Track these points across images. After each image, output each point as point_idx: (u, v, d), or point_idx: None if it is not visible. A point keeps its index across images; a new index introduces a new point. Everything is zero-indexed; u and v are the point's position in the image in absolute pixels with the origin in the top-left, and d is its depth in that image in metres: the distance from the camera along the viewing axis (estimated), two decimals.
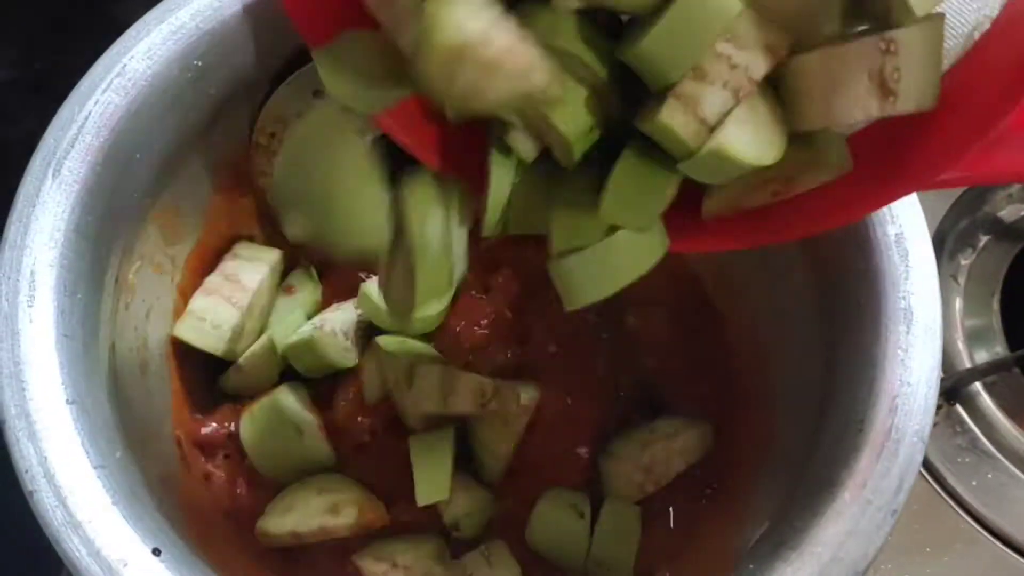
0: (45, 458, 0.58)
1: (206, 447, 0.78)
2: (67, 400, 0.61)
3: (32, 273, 0.63)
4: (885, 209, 0.65)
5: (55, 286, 0.64)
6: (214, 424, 0.80)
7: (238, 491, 0.78)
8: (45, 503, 0.57)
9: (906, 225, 0.65)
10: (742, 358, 0.80)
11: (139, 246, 0.74)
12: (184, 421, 0.78)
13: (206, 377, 0.81)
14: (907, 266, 0.64)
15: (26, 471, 0.58)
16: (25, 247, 0.64)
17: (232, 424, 0.81)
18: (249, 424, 0.77)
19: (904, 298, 0.63)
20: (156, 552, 0.57)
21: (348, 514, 0.73)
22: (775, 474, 0.72)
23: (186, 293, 0.81)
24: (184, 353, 0.79)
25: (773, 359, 0.78)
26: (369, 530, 0.73)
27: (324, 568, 0.75)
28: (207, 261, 0.83)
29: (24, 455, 0.58)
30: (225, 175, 0.82)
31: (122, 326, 0.72)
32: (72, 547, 0.56)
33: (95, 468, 0.59)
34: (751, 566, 0.60)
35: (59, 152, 0.66)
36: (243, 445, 0.78)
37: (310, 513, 0.73)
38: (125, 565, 0.56)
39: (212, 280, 0.80)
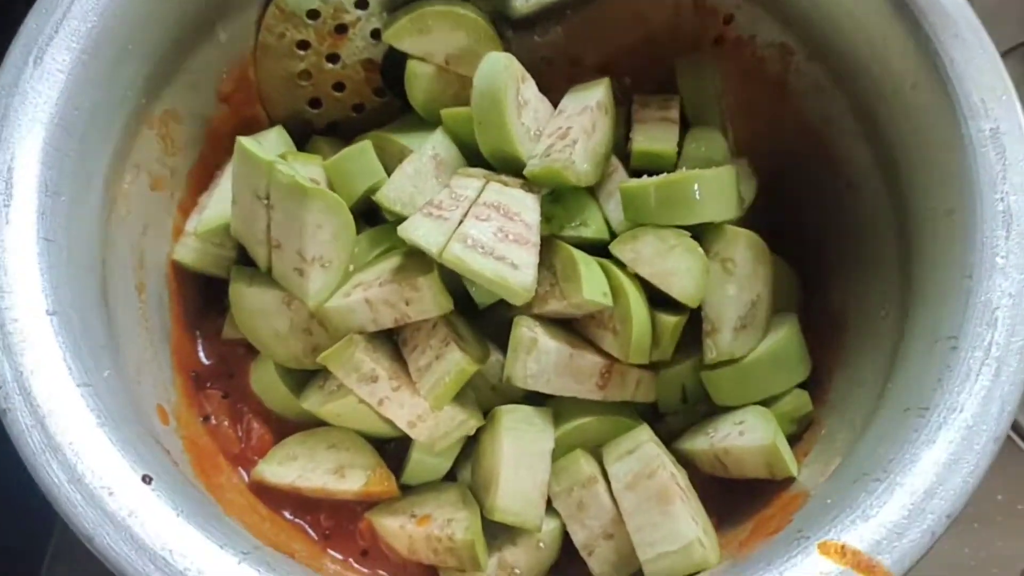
0: (20, 373, 0.51)
1: (207, 379, 0.71)
2: (48, 310, 0.53)
3: (9, 169, 0.56)
4: (977, 101, 0.57)
5: (37, 185, 0.56)
6: (216, 358, 0.72)
7: (240, 431, 0.70)
8: (20, 423, 0.50)
9: (1001, 119, 0.57)
10: (807, 277, 0.73)
11: (134, 152, 0.67)
12: (185, 351, 0.71)
13: (208, 300, 0.74)
14: (1004, 164, 0.56)
15: None
16: (1, 140, 0.56)
17: (233, 363, 0.73)
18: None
19: (1002, 199, 0.55)
20: (147, 479, 0.50)
21: (355, 479, 0.65)
22: (847, 402, 0.64)
23: (188, 211, 0.73)
24: (185, 277, 0.72)
25: (839, 277, 0.70)
26: (375, 500, 0.66)
27: (335, 517, 0.68)
28: (211, 178, 0.75)
29: None
30: (230, 82, 0.74)
31: (115, 240, 0.65)
32: (50, 474, 0.49)
33: (79, 386, 0.52)
34: (828, 500, 0.52)
35: (41, 38, 0.59)
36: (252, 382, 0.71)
37: (314, 468, 0.66)
38: (110, 493, 0.49)
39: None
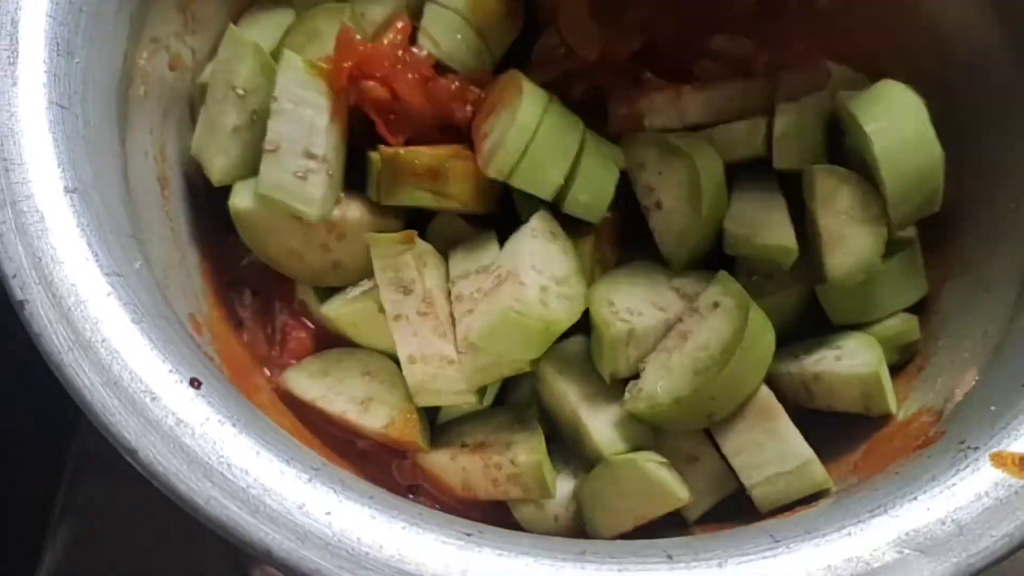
0: (38, 259, 0.43)
1: (239, 283, 0.62)
2: (67, 187, 0.45)
3: (14, 22, 0.47)
4: None
5: (46, 41, 0.47)
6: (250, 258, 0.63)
7: (276, 333, 0.61)
8: (42, 318, 0.41)
9: None
10: None
11: (152, 21, 0.58)
12: (213, 255, 0.62)
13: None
14: None
15: (14, 275, 0.42)
16: None
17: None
18: None
19: None
20: (195, 383, 0.42)
21: (378, 416, 0.57)
22: (971, 311, 0.57)
23: None
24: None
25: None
26: (392, 444, 0.58)
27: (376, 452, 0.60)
28: None
29: (11, 255, 0.43)
30: None
31: (134, 122, 0.56)
32: (80, 376, 0.41)
33: (108, 275, 0.43)
34: (992, 407, 0.45)
35: None
36: None
37: (340, 393, 0.57)
38: (153, 399, 0.41)
39: None
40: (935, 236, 0.63)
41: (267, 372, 0.60)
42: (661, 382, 0.53)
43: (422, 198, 0.56)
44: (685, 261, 0.57)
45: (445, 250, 0.58)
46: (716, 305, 0.53)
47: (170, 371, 0.42)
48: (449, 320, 0.55)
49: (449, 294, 0.56)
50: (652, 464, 0.53)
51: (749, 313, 0.52)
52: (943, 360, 0.57)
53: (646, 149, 0.58)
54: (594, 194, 0.56)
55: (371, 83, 0.57)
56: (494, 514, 0.57)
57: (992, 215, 0.58)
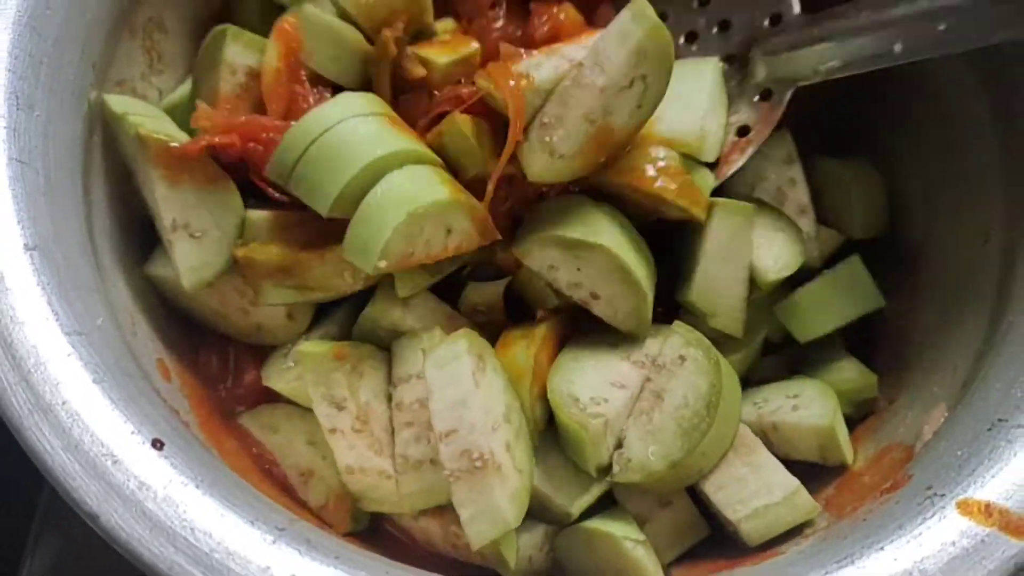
0: None
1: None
2: (26, 245, 0.44)
3: None
4: None
5: (5, 95, 0.47)
6: None
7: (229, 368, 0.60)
8: (1, 380, 0.41)
9: None
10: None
11: (117, 64, 0.58)
12: None
13: None
14: None
15: None
16: None
17: None
18: None
19: None
20: (157, 444, 0.41)
21: (316, 493, 0.55)
22: (940, 344, 0.57)
23: None
24: None
25: (919, 207, 0.63)
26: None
27: None
28: None
29: None
30: None
31: (98, 168, 0.55)
32: (40, 440, 0.40)
33: (69, 335, 0.43)
34: (959, 452, 0.45)
35: None
36: None
37: (287, 455, 0.56)
38: (115, 462, 0.40)
39: None
40: (908, 270, 0.63)
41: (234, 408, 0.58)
42: (651, 448, 0.51)
43: (287, 295, 0.53)
44: (647, 326, 0.55)
45: (388, 340, 0.55)
46: (683, 359, 0.53)
47: (132, 432, 0.41)
48: (387, 432, 0.53)
49: (390, 398, 0.53)
50: (630, 543, 0.51)
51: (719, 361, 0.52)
52: (913, 394, 0.57)
53: (546, 251, 0.54)
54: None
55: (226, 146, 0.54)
56: (468, 556, 0.56)
57: (962, 250, 0.58)
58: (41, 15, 0.49)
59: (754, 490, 0.52)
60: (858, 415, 0.60)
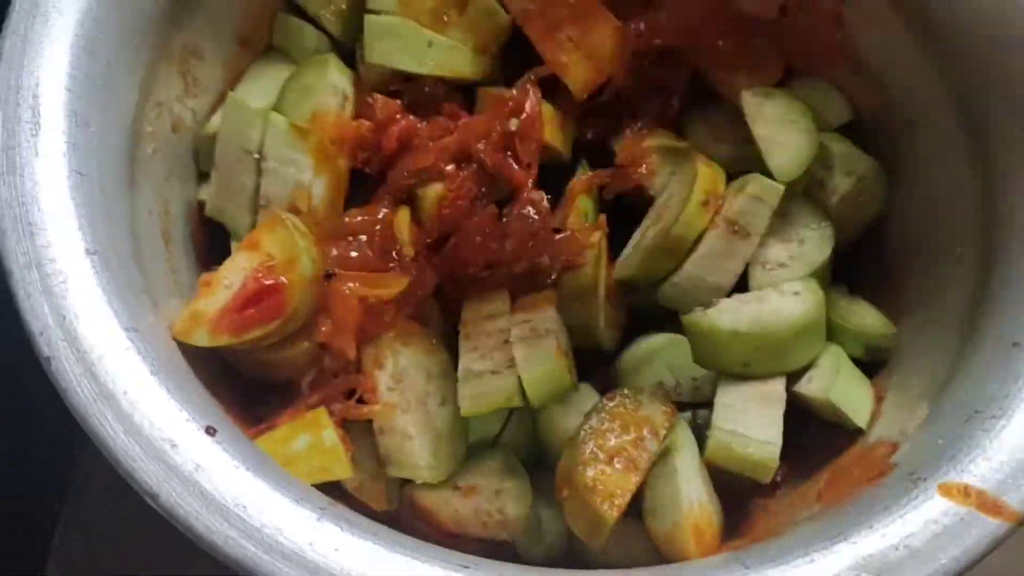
0: (63, 317, 0.46)
1: None
2: (87, 249, 0.48)
3: (35, 96, 0.51)
4: None
5: (65, 113, 0.51)
6: None
7: None
8: (68, 372, 0.45)
9: None
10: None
11: (157, 88, 0.62)
12: None
13: None
14: None
15: (40, 333, 0.46)
16: (23, 66, 0.51)
17: None
18: None
19: None
20: (211, 431, 0.45)
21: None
22: (920, 347, 0.61)
23: None
24: (211, 226, 0.66)
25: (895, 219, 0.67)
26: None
27: None
28: None
29: (37, 314, 0.46)
30: (248, 22, 0.69)
31: (141, 181, 0.59)
32: (103, 425, 0.44)
33: (127, 331, 0.47)
34: (939, 441, 0.49)
35: None
36: None
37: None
38: (173, 446, 0.44)
39: None
40: (891, 278, 0.68)
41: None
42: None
43: None
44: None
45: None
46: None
47: (187, 419, 0.45)
48: (418, 398, 0.59)
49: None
50: None
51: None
52: (897, 395, 0.62)
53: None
54: None
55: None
56: (491, 542, 0.60)
57: (940, 260, 0.63)
58: (96, 39, 0.53)
59: (745, 421, 0.57)
60: (873, 360, 0.64)
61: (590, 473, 0.55)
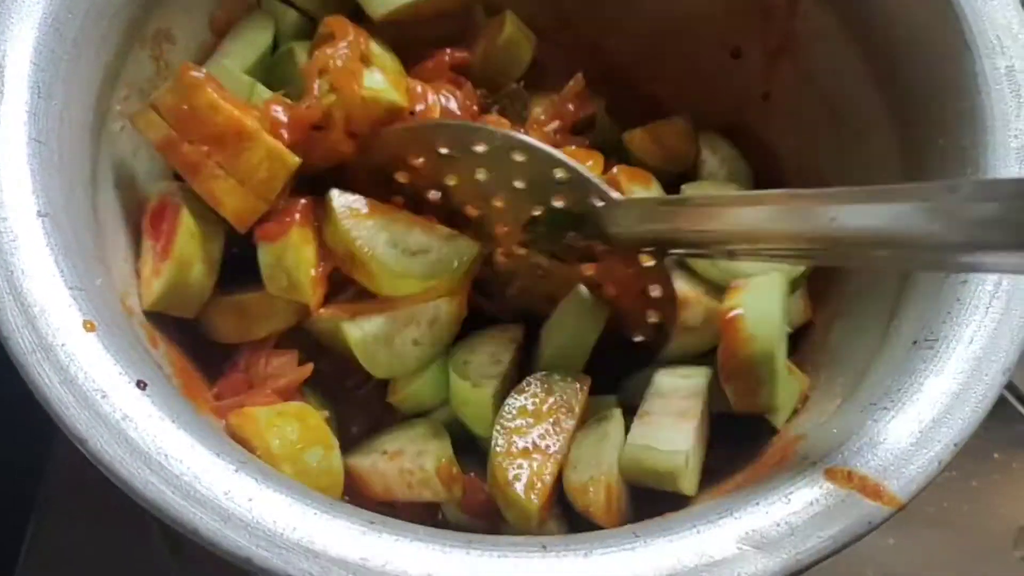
0: (11, 272, 0.49)
1: None
2: (39, 212, 0.51)
3: (0, 68, 0.54)
4: (993, 39, 0.57)
5: (28, 85, 0.54)
6: None
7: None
8: (10, 323, 0.48)
9: (1017, 57, 0.57)
10: None
11: (127, 70, 0.65)
12: None
13: None
14: (1019, 102, 0.56)
15: None
16: None
17: None
18: None
19: (1016, 137, 0.55)
20: (141, 384, 0.48)
21: None
22: (848, 350, 0.64)
23: None
24: None
25: None
26: None
27: None
28: None
29: None
30: (223, 12, 0.72)
31: (106, 156, 0.63)
32: (40, 374, 0.47)
33: (70, 288, 0.50)
34: (833, 430, 0.52)
35: None
36: None
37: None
38: (103, 396, 0.47)
39: None
40: (825, 284, 0.71)
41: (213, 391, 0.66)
42: None
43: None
44: None
45: None
46: None
47: (120, 373, 0.48)
48: None
49: None
50: None
51: None
52: (822, 394, 0.64)
53: None
54: None
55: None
56: (421, 516, 0.63)
57: (865, 273, 0.65)
58: (64, 19, 0.57)
59: (657, 435, 0.59)
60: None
61: (511, 474, 0.58)
